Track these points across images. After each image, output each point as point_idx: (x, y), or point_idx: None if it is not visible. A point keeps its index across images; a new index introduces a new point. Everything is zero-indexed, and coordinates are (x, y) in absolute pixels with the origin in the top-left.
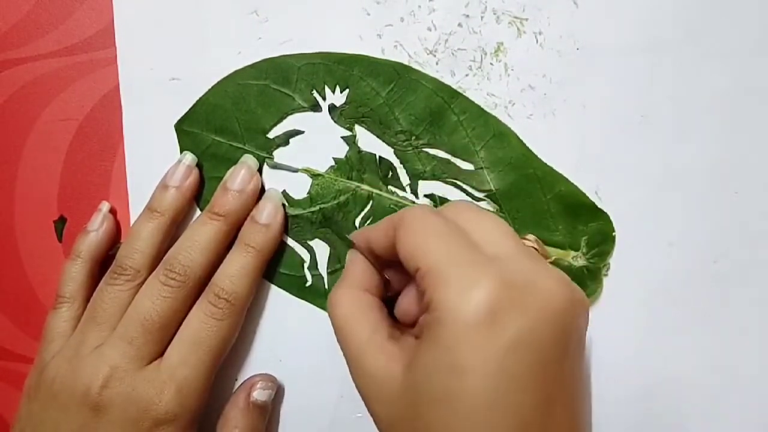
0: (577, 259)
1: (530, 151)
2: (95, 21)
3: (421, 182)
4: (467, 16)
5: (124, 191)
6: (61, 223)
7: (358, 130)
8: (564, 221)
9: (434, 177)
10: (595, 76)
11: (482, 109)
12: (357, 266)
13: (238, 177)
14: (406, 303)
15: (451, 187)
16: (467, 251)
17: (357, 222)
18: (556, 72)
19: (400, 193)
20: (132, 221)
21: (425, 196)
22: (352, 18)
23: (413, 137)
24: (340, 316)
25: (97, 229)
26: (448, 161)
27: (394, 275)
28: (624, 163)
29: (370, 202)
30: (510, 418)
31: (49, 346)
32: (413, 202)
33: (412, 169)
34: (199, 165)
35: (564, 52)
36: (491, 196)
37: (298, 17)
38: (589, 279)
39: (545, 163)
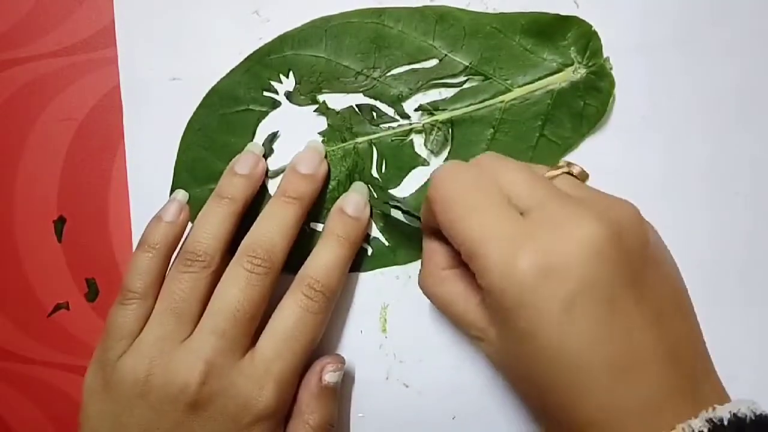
0: (576, 71)
1: (476, 12)
2: (95, 21)
3: (404, 104)
4: None
5: (124, 191)
6: (60, 223)
7: (323, 97)
8: (545, 47)
9: (411, 92)
10: None
11: (411, 7)
12: (429, 246)
13: (309, 161)
14: None
15: (434, 90)
16: (500, 220)
17: (374, 173)
18: None
19: (393, 124)
20: (132, 221)
21: (415, 110)
22: None
23: (371, 70)
24: (433, 299)
25: (173, 220)
26: (414, 71)
27: None
28: (624, 164)
29: (373, 148)
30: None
31: (116, 344)
32: (410, 126)
33: (389, 97)
34: (265, 155)
35: None
36: (470, 71)
37: (300, 17)
38: (598, 81)
39: (496, 13)
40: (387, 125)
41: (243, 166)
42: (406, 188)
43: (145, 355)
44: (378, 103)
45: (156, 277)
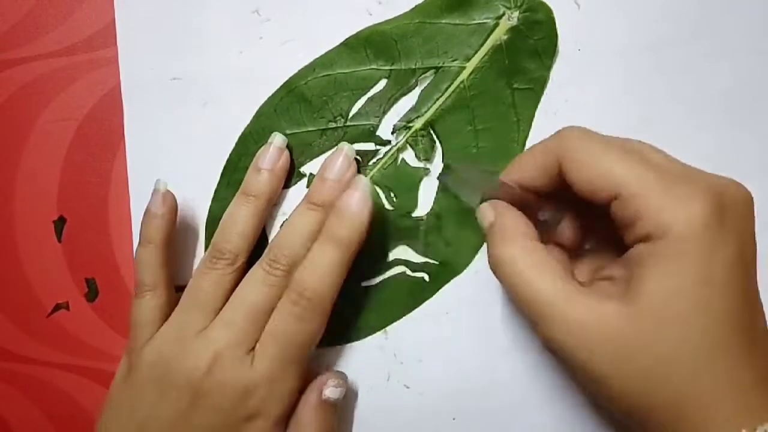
0: (511, 17)
1: (394, 17)
2: (95, 21)
3: (378, 133)
4: None
5: (125, 191)
6: (60, 223)
7: (306, 169)
8: (472, 12)
9: (379, 119)
10: (596, 76)
11: (336, 46)
12: (510, 218)
13: (336, 166)
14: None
15: (398, 105)
16: (654, 168)
17: (388, 206)
18: (558, 72)
19: (380, 154)
20: (133, 222)
21: (391, 133)
22: (355, 18)
23: (335, 121)
24: (518, 273)
25: (162, 212)
26: (371, 99)
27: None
28: None
29: (374, 186)
30: (739, 330)
31: (139, 333)
32: (395, 147)
33: (362, 135)
34: (288, 147)
35: (565, 53)
36: (419, 71)
37: (300, 17)
38: (535, 14)
39: (413, 8)
40: (374, 159)
41: (266, 161)
42: (423, 205)
43: (163, 341)
44: (357, 146)
45: (160, 267)
